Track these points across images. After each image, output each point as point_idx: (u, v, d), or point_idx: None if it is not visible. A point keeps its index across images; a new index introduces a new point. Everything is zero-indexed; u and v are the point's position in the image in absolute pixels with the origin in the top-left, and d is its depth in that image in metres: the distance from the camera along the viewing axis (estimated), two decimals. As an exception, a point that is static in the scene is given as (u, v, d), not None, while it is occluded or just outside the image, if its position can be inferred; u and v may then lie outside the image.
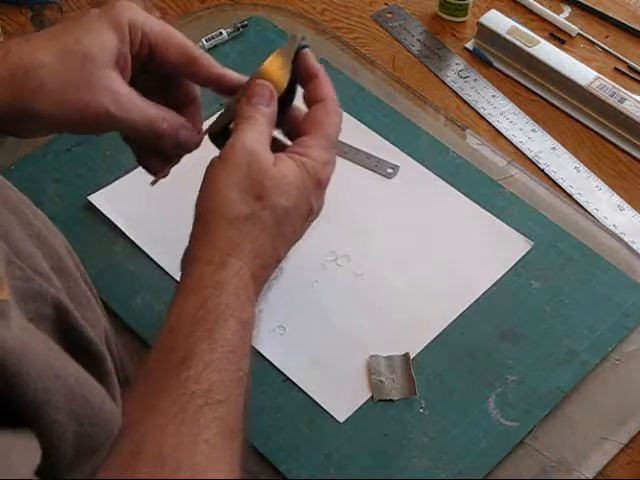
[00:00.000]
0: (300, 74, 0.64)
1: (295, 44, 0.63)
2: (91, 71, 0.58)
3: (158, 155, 0.64)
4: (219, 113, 0.63)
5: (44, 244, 0.51)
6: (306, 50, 0.64)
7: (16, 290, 0.42)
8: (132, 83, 0.61)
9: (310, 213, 0.61)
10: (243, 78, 0.64)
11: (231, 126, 0.62)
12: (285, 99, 0.63)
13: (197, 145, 0.64)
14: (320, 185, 0.61)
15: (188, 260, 0.58)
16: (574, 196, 0.85)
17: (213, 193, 0.58)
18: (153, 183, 0.63)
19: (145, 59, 0.62)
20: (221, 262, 0.56)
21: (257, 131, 0.60)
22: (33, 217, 0.52)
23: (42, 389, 0.40)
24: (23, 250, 0.47)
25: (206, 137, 0.63)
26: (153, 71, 0.63)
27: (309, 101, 0.64)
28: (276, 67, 0.63)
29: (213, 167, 0.58)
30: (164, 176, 0.64)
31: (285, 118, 0.64)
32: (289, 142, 0.64)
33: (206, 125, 0.64)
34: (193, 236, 0.58)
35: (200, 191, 0.59)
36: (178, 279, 0.76)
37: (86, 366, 0.44)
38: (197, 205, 0.59)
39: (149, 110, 0.60)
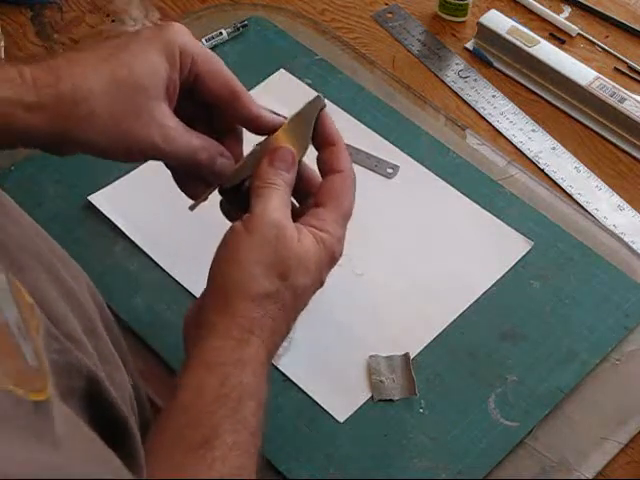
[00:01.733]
0: (317, 137, 0.63)
1: (319, 107, 0.62)
2: (142, 103, 0.56)
3: (196, 180, 0.62)
4: (235, 168, 0.62)
5: (76, 303, 0.49)
6: (326, 113, 0.63)
7: (51, 364, 0.40)
8: (176, 109, 0.60)
9: (320, 287, 0.61)
10: (278, 119, 0.63)
11: (246, 183, 0.61)
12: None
13: (204, 200, 0.63)
14: (333, 261, 0.61)
15: (202, 327, 0.56)
16: (574, 196, 0.85)
17: (237, 265, 0.56)
18: (192, 208, 0.62)
19: (190, 86, 0.60)
20: (241, 339, 0.55)
21: (281, 201, 0.59)
22: (65, 273, 0.50)
23: None
24: (58, 315, 0.45)
25: None
26: (195, 99, 0.61)
27: (325, 168, 0.63)
28: (298, 130, 0.62)
29: (238, 236, 0.57)
30: (203, 200, 0.62)
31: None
32: (296, 203, 0.63)
33: None
34: (208, 303, 0.57)
35: (219, 258, 0.58)
36: (178, 279, 0.76)
37: (114, 444, 0.42)
38: (216, 273, 0.58)
39: (193, 142, 0.59)
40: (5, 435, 0.34)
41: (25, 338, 0.39)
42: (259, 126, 0.63)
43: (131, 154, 0.58)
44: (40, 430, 0.37)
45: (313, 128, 0.63)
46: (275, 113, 0.63)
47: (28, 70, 0.55)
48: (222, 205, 0.64)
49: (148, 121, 0.57)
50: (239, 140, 0.65)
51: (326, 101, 0.70)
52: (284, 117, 0.63)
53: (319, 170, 0.64)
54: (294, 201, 0.63)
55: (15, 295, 0.41)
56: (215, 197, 0.63)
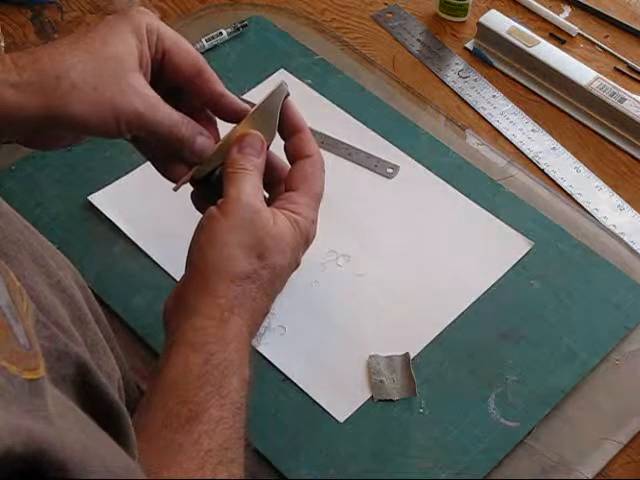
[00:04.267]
0: (283, 125, 0.65)
1: (283, 94, 0.64)
2: (120, 73, 0.58)
3: (176, 162, 0.64)
4: (206, 158, 0.63)
5: (64, 293, 0.50)
6: (290, 101, 0.65)
7: (41, 351, 0.41)
8: None
9: (296, 268, 0.63)
10: (242, 104, 0.64)
11: (217, 172, 0.63)
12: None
13: (175, 190, 0.64)
14: (307, 243, 0.63)
15: (184, 309, 0.58)
16: (574, 196, 0.85)
17: (215, 248, 0.58)
18: (176, 189, 0.63)
19: (158, 65, 0.62)
20: (223, 318, 0.56)
21: (254, 185, 0.60)
22: (53, 263, 0.51)
23: None
24: (47, 304, 0.46)
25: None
26: (165, 80, 0.63)
27: (294, 154, 0.65)
28: (264, 119, 0.64)
29: (215, 220, 0.59)
30: (186, 181, 0.64)
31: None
32: (266, 193, 0.64)
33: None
34: (189, 286, 0.59)
35: (198, 243, 0.59)
36: (178, 279, 0.76)
37: (106, 427, 0.42)
38: (195, 257, 0.59)
39: (173, 113, 0.60)
40: None
41: (16, 319, 0.40)
42: (223, 106, 0.64)
43: (119, 126, 0.58)
44: (34, 406, 0.37)
45: (278, 117, 0.64)
46: (245, 101, 0.65)
47: (7, 56, 0.57)
48: (193, 196, 0.65)
49: (129, 90, 0.58)
50: (213, 123, 0.66)
51: (326, 101, 0.70)
52: (251, 104, 0.64)
53: (287, 157, 0.65)
54: (264, 192, 0.64)
55: (4, 278, 0.41)
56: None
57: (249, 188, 0.60)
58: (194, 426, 0.51)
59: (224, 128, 0.66)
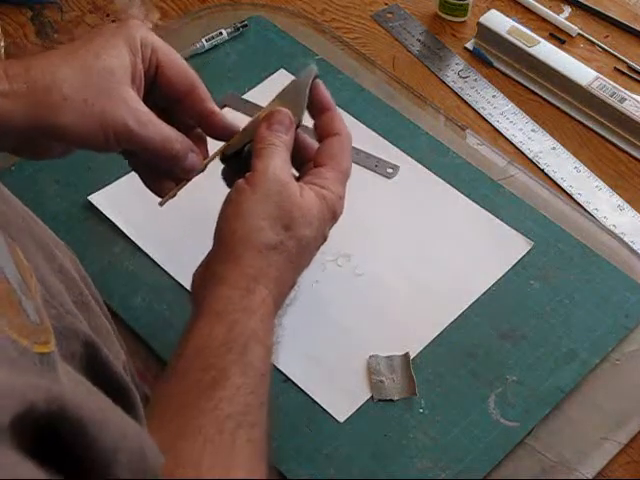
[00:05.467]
0: (312, 105, 0.66)
1: (312, 75, 0.65)
2: (112, 86, 0.58)
3: (163, 177, 0.64)
4: (236, 135, 0.64)
5: (66, 277, 0.50)
6: (319, 81, 0.66)
7: (52, 330, 0.42)
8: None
9: (323, 243, 0.63)
10: (233, 123, 0.65)
11: (246, 148, 0.63)
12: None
13: (202, 171, 0.64)
14: (335, 217, 0.63)
15: (210, 279, 0.58)
16: (574, 196, 0.85)
17: (242, 219, 0.58)
18: (162, 204, 0.64)
19: (152, 79, 0.62)
20: (249, 288, 0.57)
21: (282, 160, 0.61)
22: (55, 249, 0.51)
23: (113, 449, 0.38)
24: (52, 287, 0.47)
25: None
26: (157, 96, 0.63)
27: (322, 133, 0.65)
28: (293, 98, 0.65)
29: (242, 192, 0.59)
30: (172, 196, 0.64)
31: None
32: (295, 172, 0.64)
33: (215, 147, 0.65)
34: (215, 257, 0.59)
35: (225, 214, 0.60)
36: (178, 280, 0.76)
37: (115, 401, 0.43)
38: (221, 228, 0.59)
39: (165, 129, 0.60)
40: (13, 373, 0.35)
41: (26, 295, 0.40)
42: (213, 123, 0.64)
43: (108, 139, 0.58)
44: (47, 377, 0.37)
45: (307, 97, 0.65)
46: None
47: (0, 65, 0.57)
48: (224, 173, 0.66)
49: (120, 104, 0.58)
50: (204, 141, 0.66)
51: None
52: (239, 128, 0.65)
53: (316, 136, 0.66)
54: (293, 170, 0.64)
55: (13, 256, 0.41)
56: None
57: (277, 162, 0.60)
58: (216, 392, 0.52)
59: (213, 146, 0.66)
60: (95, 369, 0.46)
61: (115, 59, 0.59)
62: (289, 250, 0.59)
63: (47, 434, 0.35)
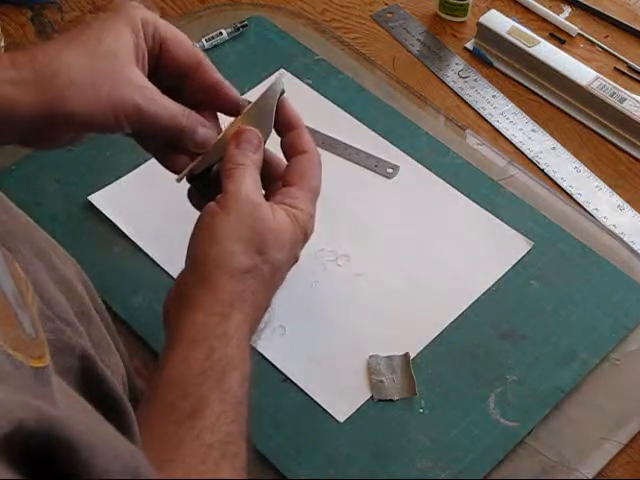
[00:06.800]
0: (279, 122, 0.65)
1: (278, 91, 0.64)
2: (116, 68, 0.58)
3: (178, 154, 0.63)
4: (200, 156, 0.63)
5: (67, 288, 0.50)
6: (286, 98, 0.65)
7: (48, 344, 0.41)
8: None
9: (294, 263, 0.63)
10: (237, 94, 0.64)
11: (214, 168, 0.62)
12: None
13: (178, 181, 0.64)
14: (306, 237, 0.62)
15: (184, 305, 0.57)
16: (574, 196, 0.85)
17: (216, 243, 0.58)
18: (179, 180, 0.63)
19: (156, 58, 0.62)
20: (224, 314, 0.56)
21: (253, 180, 0.60)
22: (57, 259, 0.51)
23: (104, 471, 0.38)
24: (51, 298, 0.46)
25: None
26: (162, 74, 0.63)
27: (291, 150, 0.65)
28: (261, 116, 0.64)
29: (214, 215, 0.59)
30: (189, 172, 0.64)
31: None
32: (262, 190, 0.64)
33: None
34: (189, 282, 0.58)
35: (197, 238, 0.59)
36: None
37: (110, 420, 0.43)
38: (194, 252, 0.59)
39: (172, 105, 0.60)
40: (5, 389, 0.35)
41: (22, 309, 0.40)
42: (222, 96, 0.64)
43: (119, 120, 0.58)
44: (40, 393, 0.37)
45: (275, 114, 0.64)
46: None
47: (4, 54, 0.57)
48: (190, 193, 0.65)
49: (126, 83, 0.58)
50: (215, 117, 0.65)
51: (326, 101, 0.70)
52: (249, 102, 0.65)
53: (284, 154, 0.65)
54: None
55: (9, 267, 0.41)
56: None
57: (248, 183, 0.60)
58: (195, 421, 0.51)
59: (225, 123, 0.65)
60: (90, 384, 0.46)
61: (118, 41, 0.59)
62: (263, 274, 0.58)
63: (38, 453, 0.34)
